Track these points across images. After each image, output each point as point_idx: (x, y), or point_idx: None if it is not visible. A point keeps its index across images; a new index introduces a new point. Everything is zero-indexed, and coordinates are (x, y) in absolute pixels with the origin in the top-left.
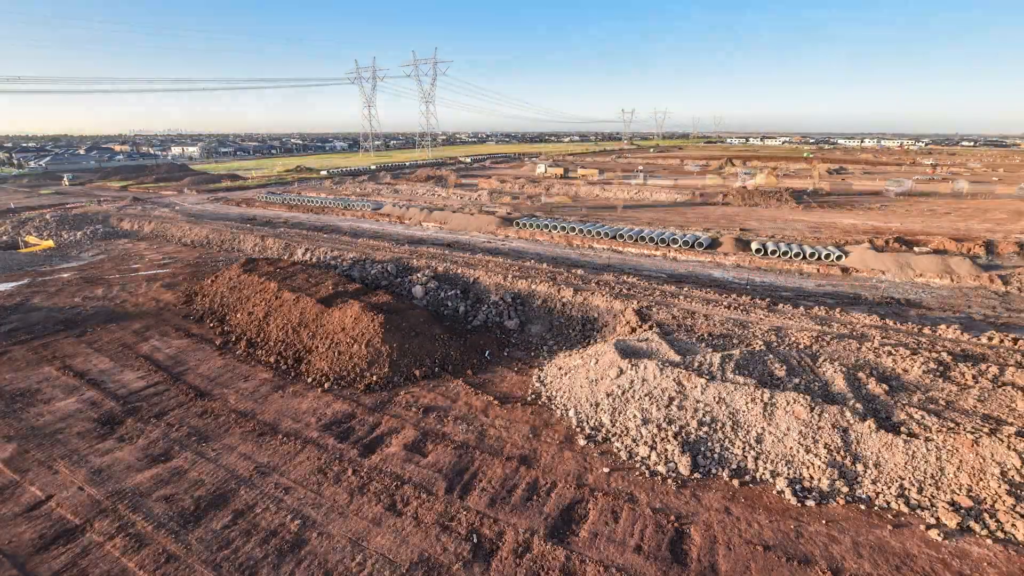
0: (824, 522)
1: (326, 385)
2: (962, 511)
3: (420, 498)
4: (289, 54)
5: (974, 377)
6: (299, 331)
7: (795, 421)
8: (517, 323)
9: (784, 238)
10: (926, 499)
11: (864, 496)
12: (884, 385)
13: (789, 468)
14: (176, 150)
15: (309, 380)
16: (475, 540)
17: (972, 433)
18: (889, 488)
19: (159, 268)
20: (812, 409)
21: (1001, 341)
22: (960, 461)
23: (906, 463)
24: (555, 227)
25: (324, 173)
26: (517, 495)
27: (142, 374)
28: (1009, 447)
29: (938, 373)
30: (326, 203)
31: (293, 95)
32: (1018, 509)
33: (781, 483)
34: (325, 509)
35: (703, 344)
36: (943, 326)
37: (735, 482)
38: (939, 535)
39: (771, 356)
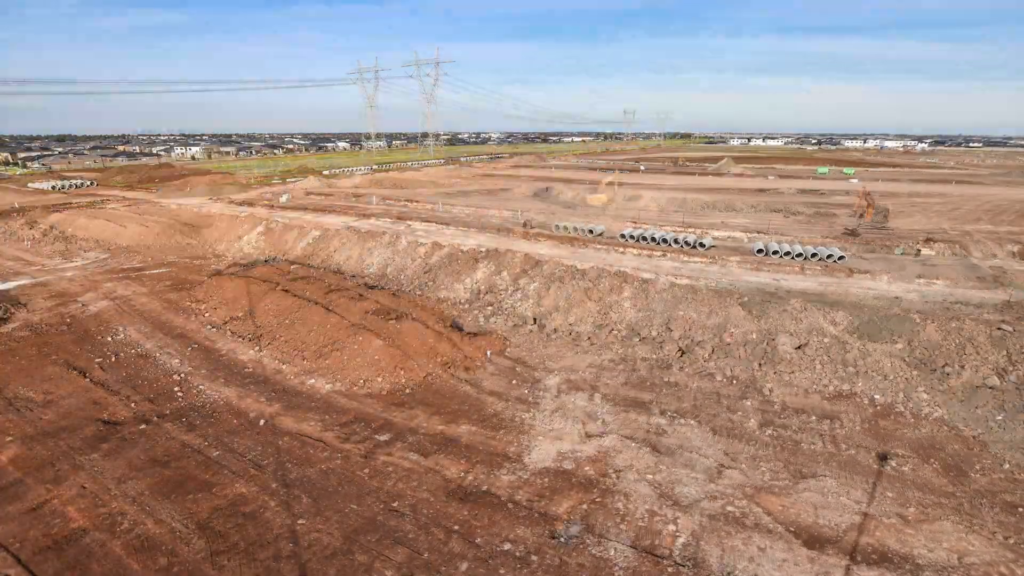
0: None
1: (330, 387)
2: None
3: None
4: (292, 54)
5: None
6: (299, 331)
7: None
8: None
9: None
10: None
11: None
12: None
13: None
14: (179, 150)
15: (311, 382)
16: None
17: None
18: None
19: (162, 267)
20: None
21: None
22: None
23: None
24: None
25: (326, 173)
26: None
27: (143, 376)
28: None
29: None
30: (328, 204)
31: (295, 95)
32: None
33: None
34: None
35: None
36: None
37: None
38: None
39: None
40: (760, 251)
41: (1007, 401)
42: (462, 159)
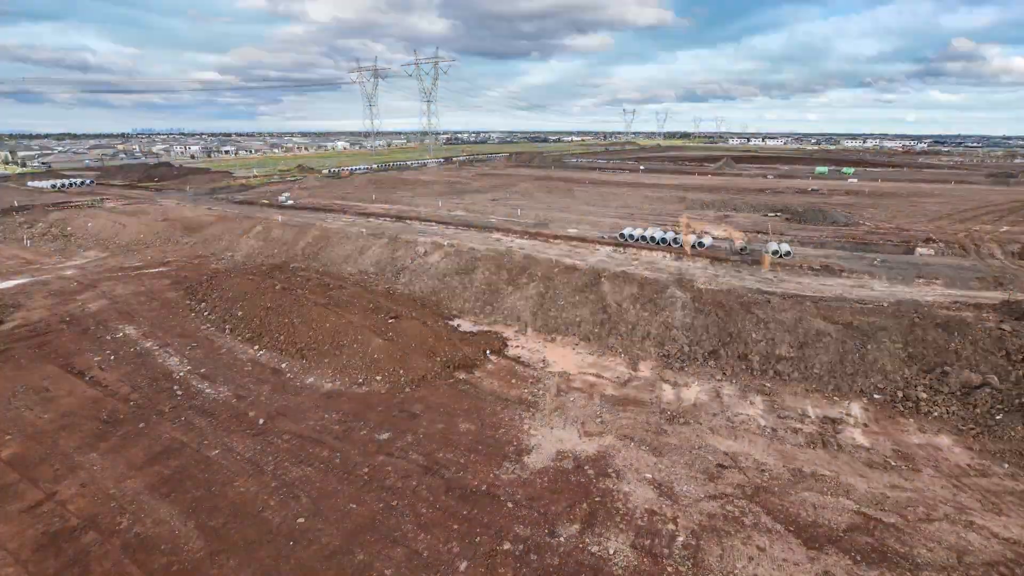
0: None
1: (329, 385)
2: None
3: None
4: (291, 52)
5: None
6: (299, 329)
7: None
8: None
9: None
10: None
11: None
12: None
13: None
14: (178, 149)
15: (310, 381)
16: None
17: None
18: None
19: (162, 266)
20: None
21: None
22: None
23: None
24: None
25: (325, 172)
26: None
27: (142, 375)
28: None
29: None
30: (328, 203)
31: (294, 94)
32: None
33: None
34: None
35: None
36: None
37: None
38: None
39: None
40: (775, 252)
41: (1006, 401)
42: (459, 158)
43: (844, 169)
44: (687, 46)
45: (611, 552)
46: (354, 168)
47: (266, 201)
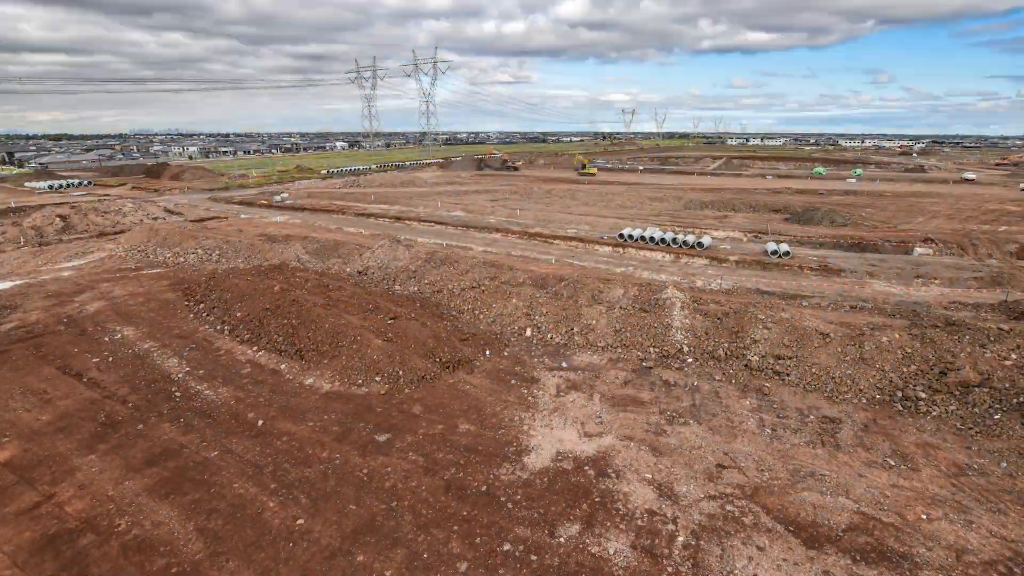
0: None
1: (328, 386)
2: None
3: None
4: (288, 53)
5: None
6: (298, 330)
7: None
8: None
9: None
10: None
11: None
12: None
13: None
14: (176, 149)
15: (309, 382)
16: None
17: None
18: None
19: (161, 267)
20: None
21: None
22: None
23: None
24: None
25: (324, 172)
26: None
27: (141, 376)
28: None
29: None
30: (326, 204)
31: (292, 95)
32: None
33: None
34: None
35: None
36: None
37: None
38: None
39: None
40: (774, 252)
41: (1004, 400)
42: (456, 158)
43: (855, 170)
44: None
45: (611, 552)
46: (356, 167)
47: (264, 201)
